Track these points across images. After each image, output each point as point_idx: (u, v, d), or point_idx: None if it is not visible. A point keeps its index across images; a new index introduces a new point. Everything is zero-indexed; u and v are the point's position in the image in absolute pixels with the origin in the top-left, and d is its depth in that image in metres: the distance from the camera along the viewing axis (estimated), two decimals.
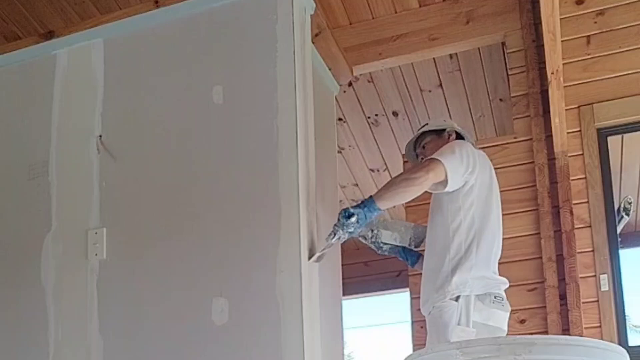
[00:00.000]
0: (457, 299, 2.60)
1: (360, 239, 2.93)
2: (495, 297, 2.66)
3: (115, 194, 2.77)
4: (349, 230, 2.49)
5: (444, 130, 2.95)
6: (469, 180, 2.70)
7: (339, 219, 2.50)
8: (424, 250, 2.89)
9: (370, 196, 2.57)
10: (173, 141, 2.72)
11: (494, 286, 2.68)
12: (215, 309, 2.50)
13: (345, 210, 2.50)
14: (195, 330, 2.51)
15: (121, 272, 2.69)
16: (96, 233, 2.74)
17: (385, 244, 2.96)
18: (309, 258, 2.49)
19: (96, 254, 2.73)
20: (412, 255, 3.06)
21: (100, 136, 2.84)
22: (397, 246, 3.00)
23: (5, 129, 3.05)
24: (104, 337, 2.65)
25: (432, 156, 2.65)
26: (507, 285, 2.75)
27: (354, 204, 2.84)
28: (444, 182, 2.63)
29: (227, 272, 2.52)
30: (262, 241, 2.49)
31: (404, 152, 3.26)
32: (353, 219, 2.47)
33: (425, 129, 3.00)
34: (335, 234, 2.48)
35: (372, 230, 2.93)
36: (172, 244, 2.63)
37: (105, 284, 2.70)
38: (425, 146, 2.97)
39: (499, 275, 2.77)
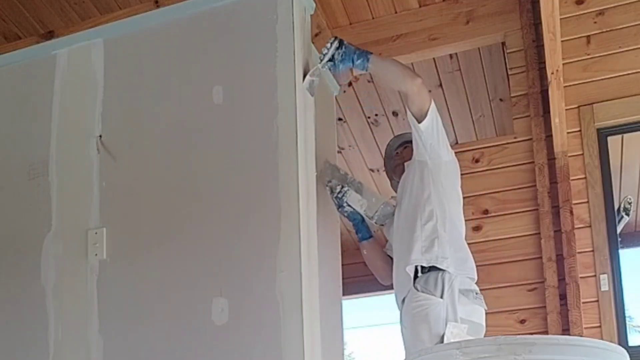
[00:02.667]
0: (442, 295, 2.59)
1: (327, 190, 2.94)
2: (476, 292, 2.67)
3: (115, 194, 2.77)
4: (336, 57, 2.63)
5: None
6: (438, 154, 2.72)
7: (331, 44, 2.66)
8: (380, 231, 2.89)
9: (371, 53, 2.69)
10: (173, 141, 2.72)
11: (471, 282, 2.68)
12: (215, 309, 2.50)
13: (338, 39, 2.67)
14: (195, 330, 2.51)
15: (121, 272, 2.69)
16: (96, 233, 2.74)
17: (349, 205, 2.93)
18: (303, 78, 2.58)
19: (96, 254, 2.73)
20: (366, 231, 3.03)
21: (100, 136, 2.83)
22: (358, 214, 2.97)
23: (5, 129, 3.05)
24: (104, 337, 2.65)
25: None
26: (475, 273, 2.76)
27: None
28: (423, 114, 2.66)
29: (227, 272, 2.52)
30: (262, 241, 2.48)
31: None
32: (342, 48, 2.65)
33: (407, 138, 3.01)
34: (324, 59, 2.64)
35: (342, 187, 2.91)
36: (172, 243, 2.63)
37: (105, 284, 2.70)
38: (404, 150, 3.00)
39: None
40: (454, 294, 2.59)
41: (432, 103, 2.69)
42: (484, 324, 2.70)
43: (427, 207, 2.71)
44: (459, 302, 2.59)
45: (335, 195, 2.93)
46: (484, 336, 2.67)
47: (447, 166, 2.77)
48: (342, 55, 2.67)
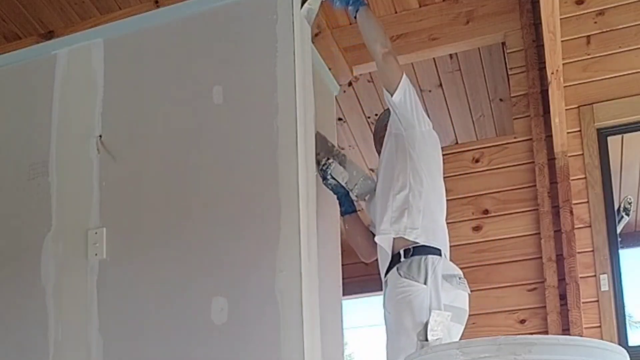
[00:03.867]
0: (425, 281, 2.57)
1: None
2: (459, 277, 2.66)
3: (115, 194, 2.77)
4: None
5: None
6: (411, 125, 2.72)
7: None
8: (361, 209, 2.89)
9: (366, 4, 2.82)
10: (173, 141, 2.72)
11: (454, 268, 2.67)
12: (214, 309, 2.50)
13: None
14: (195, 330, 2.51)
15: (121, 272, 2.69)
16: (96, 233, 2.74)
17: (333, 178, 2.92)
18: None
19: (96, 254, 2.73)
20: (349, 205, 3.00)
21: (100, 136, 2.83)
22: (342, 187, 2.95)
23: (5, 129, 3.05)
24: (104, 337, 2.65)
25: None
26: (448, 249, 2.74)
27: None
28: (393, 87, 2.68)
29: (227, 271, 2.52)
30: (262, 241, 2.48)
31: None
32: None
33: None
34: None
35: (328, 159, 2.91)
36: (172, 243, 2.63)
37: (105, 284, 2.70)
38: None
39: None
40: (437, 280, 2.56)
41: (404, 76, 2.71)
42: (467, 308, 2.67)
43: (401, 177, 2.70)
44: (442, 288, 2.57)
45: (320, 167, 2.90)
46: (467, 320, 2.66)
47: (423, 136, 2.75)
48: None
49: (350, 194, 2.96)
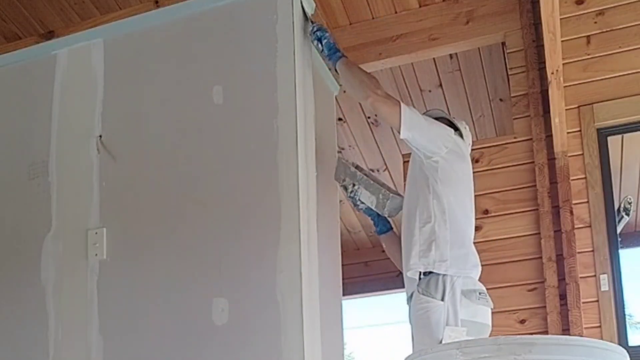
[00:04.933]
0: (442, 298, 2.59)
1: (341, 189, 2.97)
2: (479, 293, 2.66)
3: (115, 194, 2.77)
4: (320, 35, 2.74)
5: (438, 118, 2.94)
6: (433, 153, 2.69)
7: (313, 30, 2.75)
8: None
9: (343, 56, 2.77)
10: (173, 141, 2.72)
11: (475, 282, 2.67)
12: (215, 309, 2.50)
13: (321, 33, 2.74)
14: (195, 330, 2.51)
15: (121, 272, 2.69)
16: (96, 233, 2.74)
17: (362, 202, 2.94)
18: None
19: (96, 254, 2.73)
20: (383, 225, 3.02)
21: (100, 136, 2.83)
22: (373, 209, 2.97)
23: (5, 129, 3.05)
24: (104, 337, 2.65)
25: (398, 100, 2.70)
26: (480, 269, 2.74)
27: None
28: (397, 126, 2.65)
29: (227, 272, 2.52)
30: (262, 241, 2.48)
31: (403, 153, 3.27)
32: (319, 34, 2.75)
33: (446, 116, 2.95)
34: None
35: (354, 185, 2.92)
36: (172, 243, 2.63)
37: (105, 284, 2.70)
38: None
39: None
40: (455, 297, 2.59)
41: (402, 110, 2.63)
42: (489, 323, 2.69)
43: (425, 207, 2.69)
44: (461, 304, 2.59)
45: (348, 194, 2.95)
46: (490, 335, 2.67)
47: (446, 159, 2.72)
48: (324, 39, 2.77)
49: (382, 214, 2.96)
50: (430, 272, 2.64)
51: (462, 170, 2.79)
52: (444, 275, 2.62)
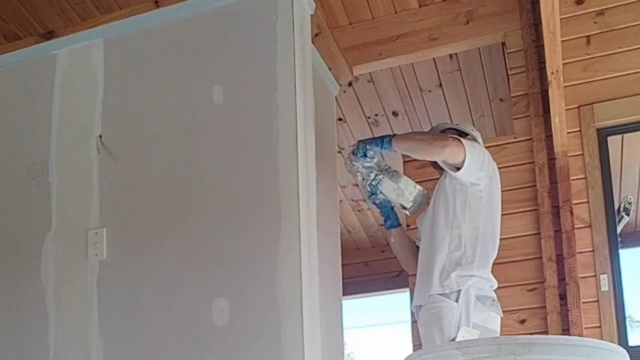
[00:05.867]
0: (457, 299, 2.60)
1: (357, 175, 2.92)
2: (492, 300, 2.68)
3: (115, 194, 2.77)
4: (363, 163, 2.76)
5: (466, 135, 2.93)
6: (480, 180, 2.69)
7: (354, 153, 2.76)
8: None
9: (394, 135, 2.75)
10: (173, 141, 2.72)
11: (489, 289, 2.69)
12: (215, 309, 2.50)
13: (363, 146, 2.75)
14: (195, 330, 2.51)
15: (121, 272, 2.69)
16: (96, 233, 2.74)
17: (382, 193, 2.89)
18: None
19: (96, 254, 2.72)
20: (395, 219, 3.00)
21: (100, 136, 2.83)
22: (389, 202, 2.93)
23: (5, 129, 3.05)
24: (104, 337, 2.65)
25: (456, 136, 2.67)
26: (496, 286, 2.76)
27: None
28: (459, 165, 2.64)
29: (227, 272, 2.52)
30: (262, 241, 2.48)
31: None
32: (369, 155, 2.77)
33: (454, 126, 2.97)
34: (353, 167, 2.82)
35: (377, 175, 2.88)
36: (172, 243, 2.63)
37: (105, 284, 2.70)
38: None
39: (496, 277, 2.79)
40: (469, 299, 2.60)
41: (467, 151, 2.64)
42: (498, 330, 2.70)
43: (458, 233, 2.69)
44: (474, 308, 2.60)
45: (369, 182, 2.88)
46: None
47: (486, 188, 2.73)
48: (373, 156, 2.81)
49: (402, 209, 2.93)
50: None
51: (498, 193, 2.80)
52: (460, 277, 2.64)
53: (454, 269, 2.65)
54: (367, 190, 2.92)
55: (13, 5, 4.29)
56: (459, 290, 2.61)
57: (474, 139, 2.85)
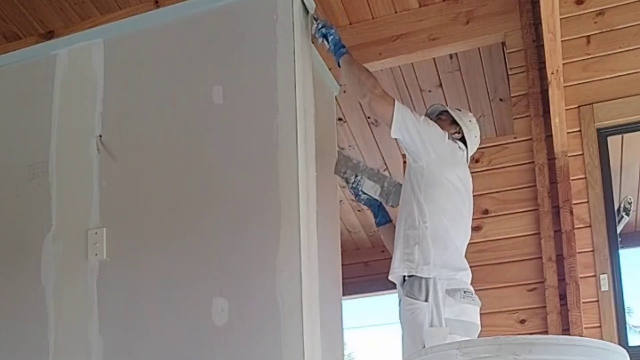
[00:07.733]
0: (426, 298, 2.60)
1: (343, 181, 3.01)
2: (464, 291, 2.66)
3: (115, 194, 2.77)
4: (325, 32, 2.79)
5: (441, 113, 2.96)
6: (420, 155, 2.70)
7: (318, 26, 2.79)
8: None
9: (347, 53, 2.79)
10: (173, 141, 2.72)
11: (460, 281, 2.67)
12: (215, 309, 2.50)
13: (323, 24, 2.80)
14: (195, 330, 2.51)
15: (121, 272, 2.69)
16: (96, 233, 2.74)
17: (365, 193, 2.97)
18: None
19: (96, 254, 2.73)
20: (383, 216, 3.04)
21: (100, 136, 2.83)
22: (375, 200, 3.00)
23: (5, 129, 3.05)
24: (104, 337, 2.65)
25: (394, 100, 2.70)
26: (470, 275, 2.74)
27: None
28: (388, 125, 2.67)
29: (227, 272, 2.52)
30: (262, 241, 2.48)
31: (403, 153, 3.27)
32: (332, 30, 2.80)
33: (449, 110, 2.96)
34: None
35: (356, 176, 2.96)
36: (172, 243, 2.63)
37: (105, 284, 2.70)
38: (437, 121, 2.97)
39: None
40: (438, 297, 2.60)
41: (395, 109, 2.66)
42: (477, 322, 2.68)
43: (411, 212, 2.72)
44: (445, 303, 2.59)
45: (350, 185, 2.98)
46: (479, 334, 2.67)
47: (434, 164, 2.73)
48: (329, 36, 2.81)
49: (385, 204, 2.99)
50: (413, 275, 2.66)
51: (454, 175, 2.79)
52: (426, 277, 2.63)
53: (413, 250, 2.66)
54: (352, 193, 3.02)
55: (13, 5, 4.29)
56: (427, 290, 2.60)
57: (459, 129, 2.85)
